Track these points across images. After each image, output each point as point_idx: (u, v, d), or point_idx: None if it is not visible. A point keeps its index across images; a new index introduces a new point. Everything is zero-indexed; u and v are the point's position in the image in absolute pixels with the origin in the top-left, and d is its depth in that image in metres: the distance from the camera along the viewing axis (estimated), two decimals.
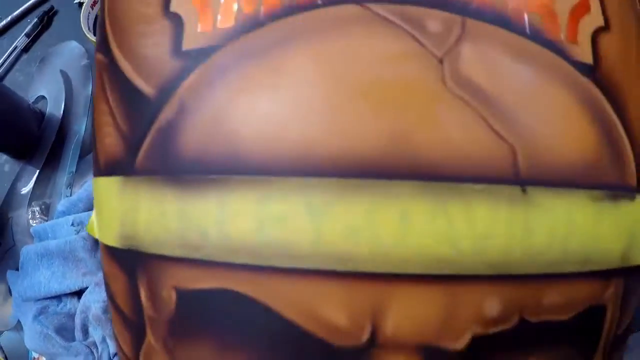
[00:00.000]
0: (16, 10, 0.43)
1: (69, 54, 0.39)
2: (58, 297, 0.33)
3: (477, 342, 0.12)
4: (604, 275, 0.13)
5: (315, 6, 0.12)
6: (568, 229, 0.12)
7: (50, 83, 0.39)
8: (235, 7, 0.12)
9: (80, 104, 0.37)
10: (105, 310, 0.30)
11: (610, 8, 0.14)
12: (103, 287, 0.30)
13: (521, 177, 0.12)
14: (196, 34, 0.12)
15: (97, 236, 0.16)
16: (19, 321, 0.37)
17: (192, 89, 0.12)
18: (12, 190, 0.38)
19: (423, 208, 0.11)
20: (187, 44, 0.12)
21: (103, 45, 0.15)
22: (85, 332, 0.32)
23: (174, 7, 0.12)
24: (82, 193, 0.33)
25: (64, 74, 0.39)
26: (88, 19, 0.39)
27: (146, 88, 0.13)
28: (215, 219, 0.11)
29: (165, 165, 0.12)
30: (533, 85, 0.12)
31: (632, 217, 0.13)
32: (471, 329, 0.12)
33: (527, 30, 0.12)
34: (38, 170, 0.37)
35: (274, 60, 0.11)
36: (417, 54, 0.11)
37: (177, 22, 0.12)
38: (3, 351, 0.38)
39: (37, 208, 0.37)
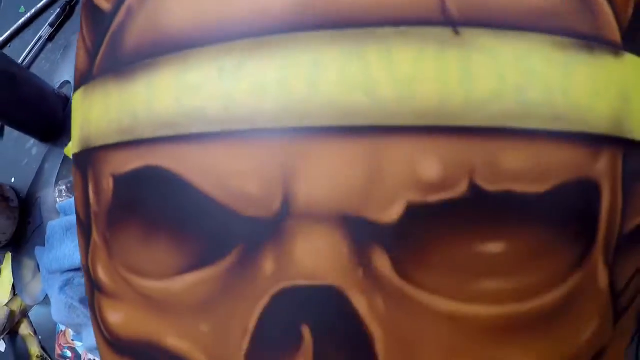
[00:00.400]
0: (39, 2, 0.46)
1: None
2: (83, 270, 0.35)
3: (414, 213, 0.10)
4: (588, 140, 0.11)
5: None
6: (523, 76, 0.10)
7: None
8: None
9: None
10: None
11: None
12: None
13: (452, 18, 0.10)
14: None
15: (70, 155, 0.17)
16: (47, 296, 0.39)
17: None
18: (40, 171, 0.41)
19: (335, 56, 0.10)
20: None
21: None
22: None
23: None
24: None
25: None
26: None
27: (104, 4, 0.14)
28: (143, 99, 0.12)
29: (113, 64, 0.13)
30: None
31: (621, 75, 0.11)
32: (404, 196, 0.10)
33: None
34: (64, 152, 0.40)
35: None
36: None
37: None
38: (32, 325, 0.40)
39: (64, 187, 0.39)
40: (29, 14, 0.46)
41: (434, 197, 0.10)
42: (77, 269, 0.35)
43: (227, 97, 0.10)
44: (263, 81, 0.10)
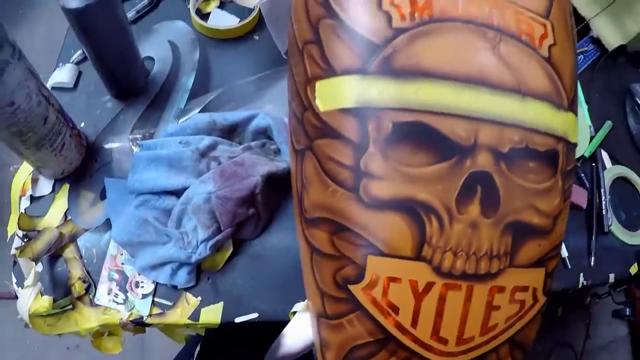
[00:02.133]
0: None
1: (177, 29, 0.54)
2: (158, 194, 0.45)
3: (513, 151, 0.29)
4: (556, 138, 0.30)
5: (445, 20, 0.29)
6: (542, 114, 0.30)
7: (160, 49, 0.53)
8: (414, 14, 0.28)
9: (189, 65, 0.51)
10: (207, 200, 0.42)
11: (557, 35, 0.32)
12: (207, 184, 0.43)
13: (521, 92, 0.29)
14: (398, 21, 0.28)
15: (324, 109, 0.30)
16: (103, 224, 0.47)
17: (400, 41, 0.28)
18: (114, 120, 0.51)
19: (481, 97, 0.29)
20: (395, 24, 0.28)
21: (330, 15, 0.30)
22: (179, 222, 0.44)
23: (384, 7, 0.29)
24: (189, 122, 0.47)
25: (172, 44, 0.53)
26: (194, 6, 0.54)
27: (375, 39, 0.28)
28: (410, 93, 0.27)
29: (389, 71, 0.28)
30: (527, 61, 0.30)
31: (566, 119, 0.31)
32: (510, 144, 0.29)
33: (523, 41, 0.30)
34: (142, 111, 0.50)
35: (433, 35, 0.28)
36: (485, 44, 0.29)
37: (387, 15, 0.29)
38: (79, 250, 0.47)
39: (139, 136, 0.49)
40: None
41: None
42: (153, 193, 0.45)
43: (453, 101, 0.27)
44: (463, 99, 0.28)
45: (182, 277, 0.44)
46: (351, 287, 0.29)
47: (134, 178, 0.45)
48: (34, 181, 0.48)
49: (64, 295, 0.45)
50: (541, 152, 0.29)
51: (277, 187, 0.46)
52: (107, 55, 0.47)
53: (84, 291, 0.45)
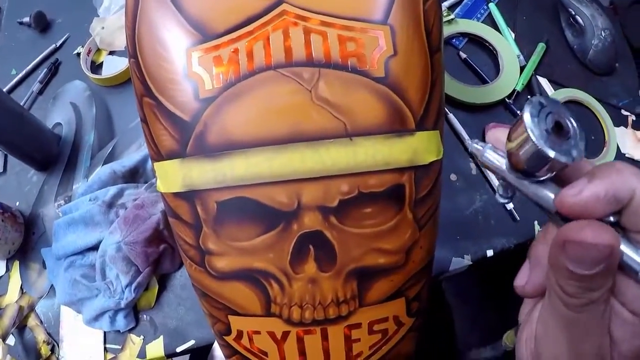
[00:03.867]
0: (29, 64, 0.64)
1: (75, 89, 0.58)
2: (82, 253, 0.50)
3: (344, 202, 0.27)
4: (399, 170, 0.28)
5: (254, 73, 0.27)
6: (375, 151, 0.27)
7: (64, 112, 0.58)
8: (220, 76, 0.27)
9: (88, 123, 0.56)
10: (118, 249, 0.47)
11: (399, 41, 0.28)
12: (115, 234, 0.47)
13: (349, 134, 0.27)
14: (204, 90, 0.27)
15: (162, 191, 0.31)
16: (51, 289, 0.53)
17: (208, 114, 0.27)
18: (41, 192, 0.56)
19: (294, 155, 0.26)
20: (202, 95, 0.28)
21: (148, 94, 0.30)
22: (103, 274, 0.49)
23: (189, 75, 0.28)
24: (94, 178, 0.51)
25: (73, 105, 0.58)
26: (86, 62, 0.59)
27: (184, 116, 0.28)
28: (227, 169, 0.27)
29: (203, 150, 0.27)
30: (354, 92, 0.27)
31: (412, 142, 0.28)
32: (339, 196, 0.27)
33: (349, 68, 0.28)
34: (60, 176, 0.56)
35: (241, 97, 0.27)
36: (300, 89, 0.27)
37: (194, 83, 0.28)
38: (39, 316, 0.54)
39: (62, 201, 0.54)
40: (20, 74, 0.64)
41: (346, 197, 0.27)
42: (77, 254, 0.50)
43: (267, 169, 0.27)
44: (278, 164, 0.27)
45: (121, 322, 0.48)
46: (226, 338, 0.32)
47: (57, 245, 0.50)
48: None
49: (37, 359, 0.51)
50: (379, 192, 0.27)
51: None
52: (11, 141, 0.52)
53: (50, 352, 0.51)
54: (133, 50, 0.31)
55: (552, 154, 0.20)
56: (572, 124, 0.21)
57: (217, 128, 0.27)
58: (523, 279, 0.25)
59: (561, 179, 0.23)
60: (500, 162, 0.24)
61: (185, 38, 0.28)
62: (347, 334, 0.30)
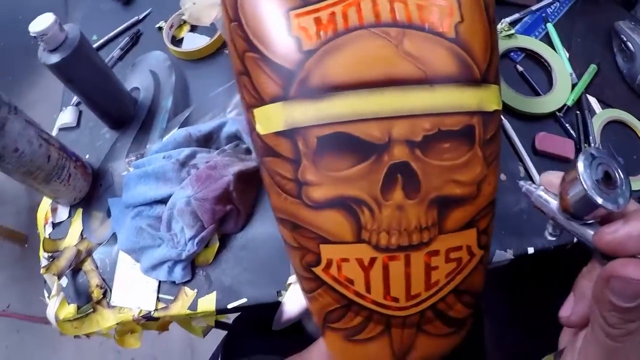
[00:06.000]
0: (110, 32, 0.71)
1: (155, 59, 0.65)
2: (150, 205, 0.56)
3: (426, 138, 0.32)
4: (470, 113, 0.33)
5: (349, 31, 0.33)
6: (450, 96, 0.33)
7: (143, 78, 0.64)
8: (320, 33, 0.33)
9: (167, 89, 0.62)
10: (187, 203, 0.52)
11: (464, 11, 0.36)
12: (186, 189, 0.53)
13: (429, 81, 0.33)
14: (306, 44, 0.33)
15: (262, 132, 0.36)
16: (111, 238, 0.59)
17: (310, 63, 0.33)
18: (112, 148, 0.62)
19: (389, 97, 0.32)
20: (305, 47, 0.33)
21: (252, 49, 0.35)
22: (169, 225, 0.54)
23: (293, 32, 0.34)
24: (170, 138, 0.57)
25: (152, 72, 0.64)
26: (168, 36, 0.66)
27: (288, 65, 0.34)
28: (328, 109, 0.32)
29: (307, 93, 0.33)
30: (431, 48, 0.34)
31: (479, 91, 0.34)
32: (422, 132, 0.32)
33: (427, 30, 0.34)
34: (134, 135, 0.62)
35: (339, 50, 0.33)
36: (388, 44, 0.33)
37: (296, 39, 0.34)
38: (95, 262, 0.59)
39: (134, 157, 0.61)
40: (100, 41, 0.71)
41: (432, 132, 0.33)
42: (145, 204, 0.56)
43: (363, 107, 0.33)
44: (372, 104, 0.33)
45: (178, 273, 0.54)
46: (314, 269, 0.36)
47: (127, 195, 0.56)
48: (54, 210, 0.61)
49: (87, 302, 0.56)
50: (455, 131, 0.33)
51: (251, 182, 0.55)
52: (94, 96, 0.59)
53: (102, 296, 0.56)
54: (235, 14, 0.37)
55: (600, 201, 0.24)
56: (619, 174, 0.26)
57: (318, 75, 0.33)
58: (568, 310, 0.30)
59: (605, 218, 0.28)
60: (551, 203, 0.29)
61: (287, 1, 0.35)
62: (427, 261, 0.34)
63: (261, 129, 0.36)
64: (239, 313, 0.72)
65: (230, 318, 0.75)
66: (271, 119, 0.35)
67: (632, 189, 0.60)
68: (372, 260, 0.35)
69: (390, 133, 0.33)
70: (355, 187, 0.34)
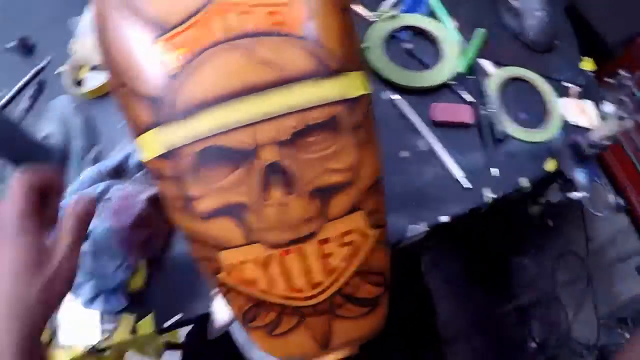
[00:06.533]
0: (15, 86, 0.73)
1: (61, 103, 0.67)
2: None
3: (295, 134, 0.35)
4: (332, 103, 0.36)
5: (206, 49, 0.36)
6: (310, 91, 0.36)
7: (52, 125, 0.66)
8: (179, 57, 0.36)
9: (76, 131, 0.64)
10: (107, 236, 0.55)
11: (313, 7, 0.38)
12: (104, 222, 0.56)
13: (287, 81, 0.35)
14: (169, 69, 0.35)
15: (145, 159, 0.39)
16: None
17: (175, 86, 0.35)
18: None
19: (251, 104, 0.35)
20: (169, 73, 0.35)
21: (122, 84, 0.38)
22: (96, 259, 0.57)
23: (155, 60, 0.36)
24: (84, 177, 0.60)
25: (60, 117, 0.67)
26: (71, 79, 0.68)
27: (154, 93, 0.36)
28: (196, 127, 0.36)
29: (172, 116, 0.36)
30: (284, 50, 0.36)
31: (339, 81, 0.37)
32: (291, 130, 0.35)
33: (277, 34, 0.36)
34: None
35: (199, 69, 0.35)
36: (242, 55, 0.35)
37: (159, 66, 0.36)
38: None
39: None
40: (8, 95, 0.74)
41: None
42: None
43: (228, 118, 0.35)
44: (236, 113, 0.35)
45: (114, 302, 0.57)
46: (219, 277, 0.39)
47: None
48: None
49: None
50: (320, 123, 0.36)
51: None
52: (6, 155, 0.62)
53: (50, 338, 0.60)
54: (106, 53, 0.39)
55: None
56: None
57: (183, 96, 0.36)
58: None
59: None
60: None
61: (147, 33, 0.37)
62: (320, 249, 0.37)
63: (145, 155, 0.39)
64: (187, 330, 0.75)
65: (183, 335, 0.78)
66: (150, 145, 0.38)
67: (541, 140, 0.64)
68: (268, 258, 0.37)
69: (256, 137, 0.35)
70: (236, 193, 0.36)
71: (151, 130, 0.37)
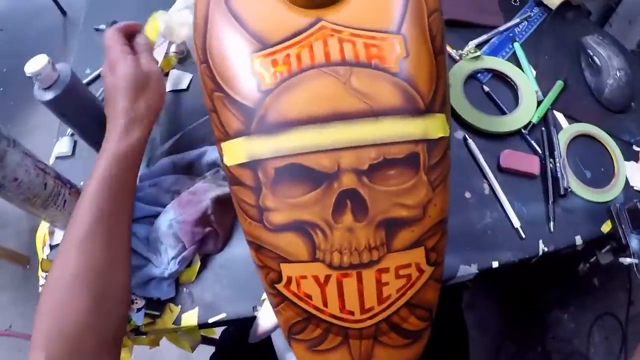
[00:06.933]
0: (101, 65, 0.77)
1: None
2: (138, 228, 0.61)
3: (372, 166, 0.36)
4: (414, 142, 0.38)
5: (302, 71, 0.38)
6: (395, 127, 0.37)
7: None
8: (277, 74, 0.38)
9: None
10: (169, 226, 0.57)
11: (410, 46, 0.40)
12: (169, 213, 0.58)
13: (375, 114, 0.37)
14: (264, 84, 0.38)
15: (228, 164, 0.41)
16: None
17: (268, 102, 0.38)
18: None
19: (338, 131, 0.37)
20: (263, 87, 0.38)
21: (218, 89, 0.41)
22: (154, 246, 0.60)
23: (253, 74, 0.39)
24: (156, 167, 0.62)
25: None
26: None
27: (249, 104, 0.39)
28: (285, 143, 0.38)
29: (264, 129, 0.38)
30: (377, 83, 0.38)
31: (423, 121, 0.38)
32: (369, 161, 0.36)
33: (373, 66, 0.39)
34: None
35: (293, 89, 0.38)
36: (337, 82, 0.38)
37: (256, 79, 0.39)
38: None
39: None
40: (94, 74, 0.77)
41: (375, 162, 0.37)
42: (134, 226, 0.61)
43: (315, 141, 0.38)
44: (322, 137, 0.37)
45: (164, 290, 0.59)
46: (277, 286, 0.41)
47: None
48: (51, 233, 0.67)
49: None
50: (399, 159, 0.38)
51: (229, 207, 0.59)
52: (86, 128, 0.64)
53: None
54: (204, 57, 0.42)
55: None
56: None
57: (274, 112, 0.38)
58: None
59: None
60: None
61: (248, 46, 0.40)
62: (377, 277, 0.39)
63: (227, 160, 0.42)
64: (223, 327, 0.77)
65: (217, 333, 0.80)
66: (235, 152, 0.40)
67: (601, 200, 0.63)
68: (327, 277, 0.39)
69: (339, 163, 0.37)
70: (309, 212, 0.38)
71: (239, 138, 0.40)
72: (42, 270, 0.64)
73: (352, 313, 0.40)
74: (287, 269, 0.40)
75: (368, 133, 0.37)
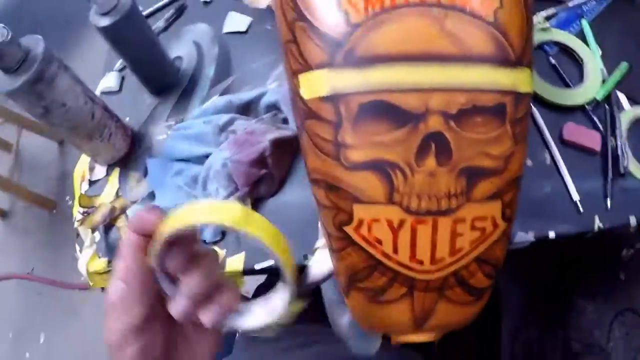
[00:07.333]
0: (155, 4, 0.75)
1: (199, 30, 0.69)
2: (188, 165, 0.59)
3: (461, 111, 0.36)
4: (503, 92, 0.37)
5: (395, 8, 0.37)
6: (486, 74, 0.36)
7: (186, 48, 0.68)
8: (367, 9, 0.36)
9: (209, 59, 0.66)
10: (223, 165, 0.56)
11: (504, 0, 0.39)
12: (223, 152, 0.57)
13: (467, 59, 0.36)
14: (354, 18, 0.36)
15: (307, 97, 0.39)
16: (146, 196, 0.62)
17: (357, 35, 0.36)
18: (152, 113, 0.66)
19: (429, 71, 0.36)
20: (352, 21, 0.36)
21: (302, 19, 0.39)
22: (205, 186, 0.58)
23: (342, 6, 0.37)
24: (210, 105, 0.61)
25: (196, 43, 0.68)
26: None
27: (335, 36, 0.37)
28: (373, 77, 0.36)
29: (352, 61, 0.36)
30: (472, 29, 0.37)
31: (513, 72, 0.37)
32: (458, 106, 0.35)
33: (468, 12, 0.37)
34: (175, 101, 0.66)
35: (384, 24, 0.36)
36: (431, 22, 0.36)
37: (345, 13, 0.37)
38: (128, 218, 0.63)
39: (173, 122, 0.65)
40: (146, 11, 0.75)
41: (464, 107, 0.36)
42: (183, 163, 0.59)
43: (404, 78, 0.36)
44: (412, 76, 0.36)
45: (209, 233, 0.57)
46: (345, 228, 0.39)
47: (170, 150, 0.60)
48: (91, 169, 0.65)
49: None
50: (488, 107, 0.37)
51: (286, 150, 0.58)
52: (139, 62, 0.63)
53: None
54: None
55: None
56: None
57: (363, 46, 0.36)
58: None
59: None
60: None
61: None
62: (453, 227, 0.37)
63: (305, 93, 0.39)
64: (261, 282, 0.75)
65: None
66: (316, 84, 0.38)
67: None
68: (402, 223, 0.37)
69: (427, 104, 0.36)
70: (391, 152, 0.37)
71: (322, 70, 0.38)
72: (80, 206, 0.62)
73: (421, 262, 0.39)
74: (360, 211, 0.38)
75: (459, 77, 0.36)
